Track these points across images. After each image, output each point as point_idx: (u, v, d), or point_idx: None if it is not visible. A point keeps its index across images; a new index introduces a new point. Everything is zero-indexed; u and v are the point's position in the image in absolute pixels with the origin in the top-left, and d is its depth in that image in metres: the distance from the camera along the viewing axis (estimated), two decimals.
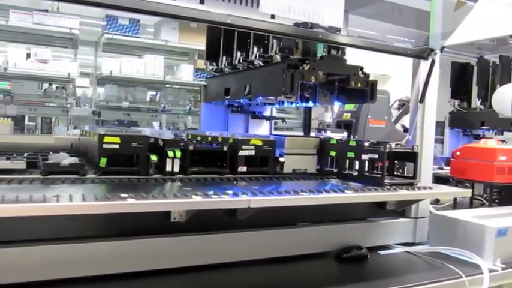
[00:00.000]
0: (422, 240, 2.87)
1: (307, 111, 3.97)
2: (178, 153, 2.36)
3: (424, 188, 2.38)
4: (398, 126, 4.13)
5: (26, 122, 8.64)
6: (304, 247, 2.43)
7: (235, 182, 2.37)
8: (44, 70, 7.27)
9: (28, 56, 7.25)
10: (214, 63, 3.42)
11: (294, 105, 3.07)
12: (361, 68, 2.71)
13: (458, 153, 3.77)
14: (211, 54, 3.43)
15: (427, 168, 2.87)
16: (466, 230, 2.63)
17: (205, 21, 2.16)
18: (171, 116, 8.58)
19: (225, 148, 2.53)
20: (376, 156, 2.39)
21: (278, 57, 2.65)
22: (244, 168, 2.58)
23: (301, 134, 4.42)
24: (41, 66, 7.27)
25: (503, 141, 4.90)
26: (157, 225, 2.04)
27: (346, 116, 4.01)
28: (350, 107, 4.06)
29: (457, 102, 4.77)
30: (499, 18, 3.84)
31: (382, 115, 4.02)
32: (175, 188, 2.10)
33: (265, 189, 2.06)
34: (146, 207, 1.66)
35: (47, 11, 7.28)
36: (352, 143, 2.57)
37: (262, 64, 2.79)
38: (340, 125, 4.01)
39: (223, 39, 3.25)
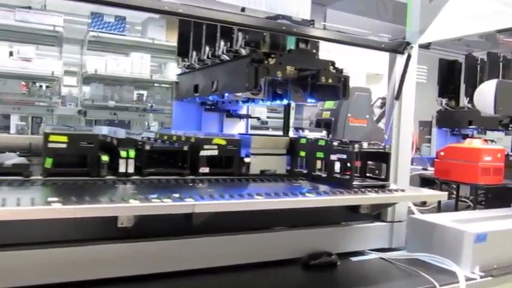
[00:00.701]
0: (399, 245, 2.71)
1: (287, 109, 3.81)
2: (132, 153, 2.20)
3: (396, 190, 2.22)
4: (381, 125, 3.97)
5: (18, 122, 8.50)
6: (268, 253, 2.27)
7: (193, 184, 2.20)
8: (28, 68, 7.10)
9: (11, 54, 7.08)
10: (186, 59, 3.26)
11: (268, 103, 2.90)
12: (333, 63, 2.54)
13: (442, 153, 3.61)
14: (182, 50, 3.27)
15: (404, 169, 2.72)
16: (444, 235, 2.48)
17: (154, 11, 2.00)
18: (159, 115, 8.42)
19: (185, 148, 2.37)
20: (344, 156, 2.23)
21: (243, 51, 2.49)
22: (207, 169, 2.42)
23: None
24: (24, 65, 7.11)
25: (492, 141, 4.74)
26: (104, 231, 1.89)
27: (326, 115, 3.85)
28: (330, 105, 3.90)
29: (444, 100, 4.61)
30: (485, 13, 3.69)
31: (363, 114, 3.85)
32: (121, 191, 1.93)
33: (222, 192, 1.91)
34: (73, 213, 1.49)
35: (30, 8, 7.11)
36: (322, 143, 2.42)
37: (228, 59, 2.62)
38: (321, 123, 3.86)
39: (192, 34, 3.09)
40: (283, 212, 2.02)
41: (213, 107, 3.47)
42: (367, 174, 2.44)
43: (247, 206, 1.76)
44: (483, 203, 3.82)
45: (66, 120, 7.81)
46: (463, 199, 3.88)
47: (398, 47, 2.59)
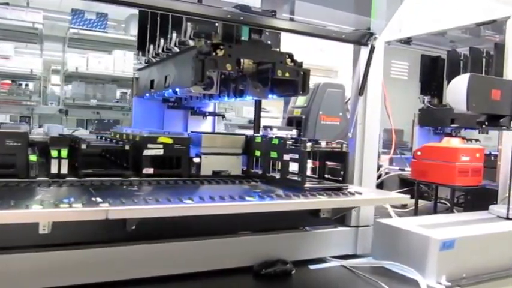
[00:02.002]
0: (365, 251, 2.52)
1: (257, 106, 3.62)
2: (64, 153, 2.01)
3: (352, 193, 2.03)
4: None
5: (8, 121, 8.33)
6: (216, 262, 2.09)
7: (128, 187, 2.01)
8: (5, 66, 6.93)
9: None
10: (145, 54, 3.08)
11: (232, 99, 2.72)
12: (290, 56, 2.36)
13: (419, 153, 3.42)
14: (140, 44, 3.10)
15: (369, 170, 2.53)
16: (409, 240, 2.29)
17: None
18: None
19: (127, 147, 2.19)
20: (296, 156, 2.04)
21: (191, 43, 2.30)
22: (151, 170, 2.24)
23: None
24: (2, 62, 6.93)
25: (476, 140, 4.56)
26: (26, 237, 1.71)
27: (297, 112, 3.65)
28: (301, 102, 3.71)
29: (427, 98, 4.42)
30: (466, 5, 3.51)
31: (335, 111, 3.65)
32: (37, 195, 1.74)
33: (160, 195, 1.73)
34: None
35: (8, 4, 6.93)
36: (275, 142, 2.23)
37: (178, 52, 2.44)
38: (292, 122, 3.67)
39: (149, 26, 2.91)
40: (235, 216, 1.85)
41: (176, 104, 3.29)
42: (326, 176, 2.25)
43: (170, 211, 1.57)
44: (463, 205, 3.65)
45: (47, 119, 7.65)
46: (443, 201, 3.69)
47: (361, 38, 2.40)
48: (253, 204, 1.71)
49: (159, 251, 1.96)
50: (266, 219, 2.21)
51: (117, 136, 2.72)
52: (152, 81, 2.87)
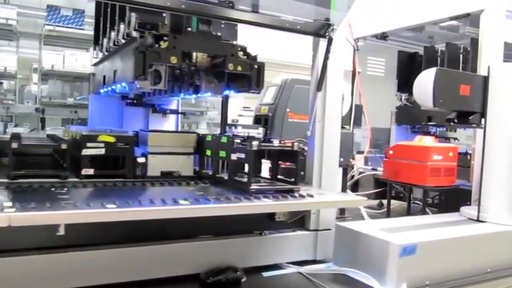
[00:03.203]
0: (326, 257, 2.38)
1: (224, 103, 3.47)
2: None
3: (303, 196, 1.88)
4: None
5: None
6: (160, 269, 1.94)
7: (61, 190, 1.85)
8: None
9: None
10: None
11: (183, 95, 2.56)
12: (243, 48, 2.21)
13: (391, 152, 3.28)
14: (96, 38, 2.94)
15: (329, 171, 2.38)
16: (370, 246, 2.15)
17: None
18: None
19: (64, 146, 2.03)
20: (243, 155, 1.89)
21: (134, 34, 2.14)
22: (91, 171, 2.08)
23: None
24: None
25: (455, 138, 4.43)
26: None
27: (264, 110, 3.49)
28: (268, 98, 3.55)
29: (404, 95, 4.27)
30: (441, 1, 3.37)
31: (304, 108, 3.48)
32: None
33: (90, 199, 1.58)
34: None
35: None
36: (224, 140, 2.08)
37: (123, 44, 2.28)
38: (260, 120, 3.50)
39: (102, 19, 2.75)
40: (182, 221, 1.70)
41: (136, 102, 3.13)
42: (279, 177, 2.10)
43: (78, 217, 1.41)
44: (438, 205, 3.52)
45: (23, 118, 7.45)
46: (417, 202, 3.56)
47: (319, 30, 2.25)
48: (177, 209, 1.55)
49: (95, 258, 1.80)
50: (217, 223, 2.07)
51: (66, 135, 2.56)
52: (104, 77, 2.71)
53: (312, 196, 1.90)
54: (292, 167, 2.34)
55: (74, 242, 1.74)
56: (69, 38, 7.44)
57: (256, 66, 2.22)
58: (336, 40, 2.30)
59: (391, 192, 3.40)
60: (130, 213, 1.47)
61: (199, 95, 2.47)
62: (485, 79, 2.58)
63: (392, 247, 2.02)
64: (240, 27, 2.39)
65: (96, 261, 1.79)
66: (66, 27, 7.21)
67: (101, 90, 2.81)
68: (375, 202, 4.10)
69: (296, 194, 1.90)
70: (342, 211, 3.53)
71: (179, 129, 3.31)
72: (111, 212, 1.43)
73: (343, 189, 3.51)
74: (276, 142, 2.05)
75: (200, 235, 2.09)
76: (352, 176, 3.89)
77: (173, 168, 2.26)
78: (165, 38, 2.02)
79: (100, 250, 1.81)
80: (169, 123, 3.30)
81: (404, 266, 2.03)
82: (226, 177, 2.06)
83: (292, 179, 2.01)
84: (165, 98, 3.04)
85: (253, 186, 1.86)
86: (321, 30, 2.24)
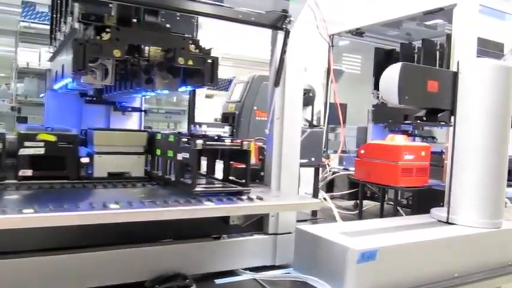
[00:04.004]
0: (286, 262, 2.25)
1: (191, 99, 3.33)
2: None
3: (251, 198, 1.75)
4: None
5: None
6: (103, 277, 1.81)
7: None
8: None
9: None
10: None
11: (143, 93, 2.44)
12: (195, 41, 2.08)
13: (362, 151, 3.17)
14: (51, 31, 2.79)
15: (289, 171, 2.26)
16: (328, 251, 2.03)
17: None
18: None
19: None
20: (187, 155, 1.76)
21: (76, 26, 2.00)
22: (29, 172, 1.93)
23: None
24: None
25: (433, 137, 4.33)
26: None
27: (231, 108, 3.36)
28: (236, 96, 3.41)
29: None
30: None
31: None
32: None
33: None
34: None
35: None
36: (171, 139, 1.95)
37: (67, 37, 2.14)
38: (228, 118, 3.37)
39: (56, 11, 2.60)
40: (129, 225, 1.57)
41: (95, 99, 2.98)
42: (231, 178, 1.97)
43: None
44: (411, 207, 3.41)
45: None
46: (391, 202, 3.44)
47: (277, 22, 2.12)
48: (96, 215, 1.42)
49: (32, 266, 1.66)
50: (167, 227, 1.94)
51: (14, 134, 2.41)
52: (56, 72, 2.56)
53: (261, 199, 1.77)
54: (255, 167, 2.23)
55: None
56: (46, 35, 7.25)
57: (209, 61, 2.09)
58: (295, 33, 2.18)
59: (363, 193, 3.28)
60: (44, 218, 1.33)
61: (150, 91, 2.33)
62: (455, 75, 2.47)
63: (350, 253, 1.90)
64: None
65: (35, 269, 1.65)
66: (42, 23, 7.02)
67: (55, 87, 2.66)
68: (351, 203, 4.00)
69: (244, 197, 1.77)
70: (314, 212, 3.41)
71: (142, 128, 3.16)
72: (18, 218, 1.29)
73: (315, 190, 3.40)
74: (227, 141, 1.92)
75: (148, 240, 1.95)
76: (326, 177, 3.78)
77: (122, 168, 2.13)
78: (108, 30, 1.88)
79: (38, 257, 1.68)
80: (132, 121, 3.15)
81: (363, 273, 1.92)
82: (173, 179, 1.92)
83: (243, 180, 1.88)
84: (126, 95, 2.90)
85: (198, 189, 1.73)
86: (278, 22, 2.12)
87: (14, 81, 7.59)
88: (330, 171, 3.80)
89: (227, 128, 3.18)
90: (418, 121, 2.46)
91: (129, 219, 1.48)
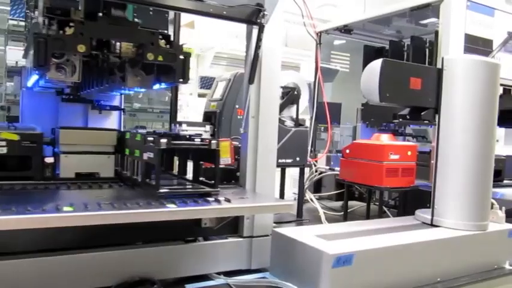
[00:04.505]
0: (262, 266, 2.17)
1: (174, 96, 3.24)
2: None
3: (217, 201, 1.67)
4: (287, 119, 3.43)
5: None
6: (66, 282, 1.73)
7: None
8: None
9: None
10: None
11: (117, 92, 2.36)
12: (166, 36, 2.00)
13: (347, 151, 3.08)
14: (25, 27, 2.71)
15: (266, 172, 2.18)
16: (304, 255, 1.94)
17: None
18: None
19: None
20: (151, 155, 1.68)
21: (40, 20, 1.92)
22: None
23: None
24: None
25: (423, 137, 4.25)
26: None
27: (213, 106, 3.27)
28: (218, 94, 3.32)
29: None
30: None
31: None
32: None
33: None
34: None
35: None
36: (138, 138, 1.86)
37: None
38: (210, 117, 3.28)
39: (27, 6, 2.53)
40: (93, 228, 1.50)
41: (72, 97, 2.89)
42: (201, 179, 1.89)
43: None
44: (397, 208, 3.33)
45: None
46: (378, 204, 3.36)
47: (251, 16, 2.03)
48: (43, 218, 1.33)
49: None
50: (136, 230, 1.86)
51: None
52: (28, 69, 2.48)
53: (228, 201, 1.69)
54: (232, 167, 2.15)
55: None
56: None
57: (181, 57, 2.01)
58: (272, 28, 2.10)
59: (349, 193, 3.20)
60: None
61: (124, 89, 2.24)
62: (439, 72, 2.39)
63: (325, 257, 1.82)
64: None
65: None
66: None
67: (28, 84, 2.58)
68: (339, 204, 3.91)
69: (211, 199, 1.69)
70: (299, 214, 3.33)
71: (122, 128, 3.08)
72: None
73: (300, 191, 3.32)
74: (197, 140, 1.84)
75: (116, 243, 1.87)
76: (313, 177, 3.69)
77: (90, 169, 2.04)
78: (71, 24, 1.80)
79: None
80: (111, 120, 3.07)
81: (339, 278, 1.84)
82: (139, 179, 1.84)
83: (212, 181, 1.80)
84: (102, 93, 2.82)
85: (163, 190, 1.65)
86: (252, 17, 2.03)
87: (4, 80, 7.50)
88: (316, 171, 3.71)
89: (208, 127, 3.10)
90: (400, 119, 2.37)
91: (77, 223, 1.40)
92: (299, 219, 3.28)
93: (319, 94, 3.86)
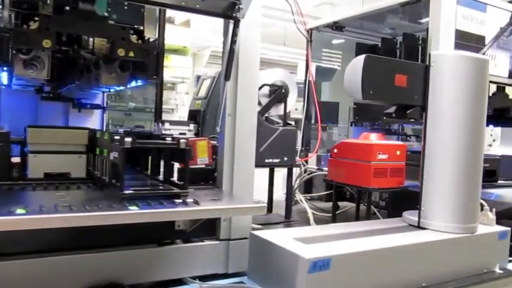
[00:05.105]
0: (240, 270, 2.09)
1: (158, 93, 3.17)
2: None
3: (185, 203, 1.59)
4: (275, 118, 3.36)
5: None
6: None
7: None
8: None
9: None
10: None
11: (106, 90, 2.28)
12: (138, 32, 1.92)
13: (335, 150, 3.00)
14: None
15: (243, 173, 2.10)
16: (280, 259, 1.86)
17: None
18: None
19: None
20: (116, 154, 1.60)
21: (5, 14, 1.85)
22: None
23: None
24: None
25: (417, 136, 4.16)
26: None
27: (198, 105, 3.19)
28: (203, 92, 3.25)
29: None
30: None
31: None
32: None
33: None
34: None
35: None
36: (106, 137, 1.79)
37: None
38: (196, 115, 3.20)
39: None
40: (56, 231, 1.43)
41: (51, 95, 2.82)
42: (172, 179, 1.81)
43: None
44: (387, 209, 3.24)
45: None
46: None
47: (226, 10, 1.95)
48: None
49: None
50: (106, 233, 1.78)
51: None
52: None
53: (197, 203, 1.61)
54: (210, 167, 2.07)
55: None
56: None
57: (154, 53, 1.93)
58: (249, 22, 2.02)
59: (338, 194, 3.12)
60: None
61: (100, 87, 2.17)
62: (426, 68, 2.30)
63: (300, 261, 1.74)
64: None
65: None
66: None
67: (3, 82, 2.51)
68: (329, 204, 3.82)
69: (179, 200, 1.61)
70: (287, 215, 3.25)
71: (104, 127, 3.01)
72: None
73: (288, 191, 3.24)
74: (168, 139, 1.76)
75: (85, 247, 1.80)
76: (302, 177, 3.61)
77: (60, 169, 1.97)
78: (36, 18, 1.72)
79: None
80: (93, 119, 3.00)
81: (315, 284, 1.75)
82: (107, 180, 1.77)
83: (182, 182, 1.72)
84: (82, 91, 2.74)
85: (127, 191, 1.57)
86: (228, 11, 1.95)
87: None
88: (305, 171, 3.63)
89: (192, 126, 3.02)
90: (385, 118, 2.28)
91: (25, 227, 1.32)
92: (287, 220, 3.20)
93: (310, 93, 3.78)
